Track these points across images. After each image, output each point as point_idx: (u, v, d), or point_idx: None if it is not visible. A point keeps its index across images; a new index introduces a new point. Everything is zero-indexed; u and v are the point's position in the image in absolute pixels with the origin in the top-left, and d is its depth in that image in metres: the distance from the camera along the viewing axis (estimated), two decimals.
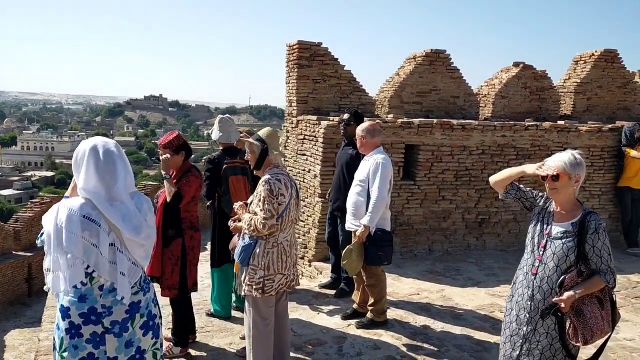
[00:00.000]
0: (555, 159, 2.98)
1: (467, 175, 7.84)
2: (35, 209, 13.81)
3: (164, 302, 4.69)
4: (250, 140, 3.93)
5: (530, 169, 3.10)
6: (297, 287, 6.10)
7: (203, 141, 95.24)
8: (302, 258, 7.57)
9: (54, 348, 2.59)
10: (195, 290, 4.52)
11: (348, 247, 4.86)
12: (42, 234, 2.54)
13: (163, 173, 4.29)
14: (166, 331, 4.64)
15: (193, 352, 4.47)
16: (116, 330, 2.54)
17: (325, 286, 6.23)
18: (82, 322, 2.49)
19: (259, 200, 3.71)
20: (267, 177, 3.77)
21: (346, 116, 5.76)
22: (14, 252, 13.13)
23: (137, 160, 79.91)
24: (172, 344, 4.42)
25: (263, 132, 3.96)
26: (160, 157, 4.27)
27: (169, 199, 4.20)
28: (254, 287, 3.77)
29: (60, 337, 2.53)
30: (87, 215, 2.45)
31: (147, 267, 4.17)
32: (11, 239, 13.04)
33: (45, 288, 2.56)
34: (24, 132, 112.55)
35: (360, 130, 4.96)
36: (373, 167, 4.82)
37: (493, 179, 3.31)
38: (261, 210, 3.67)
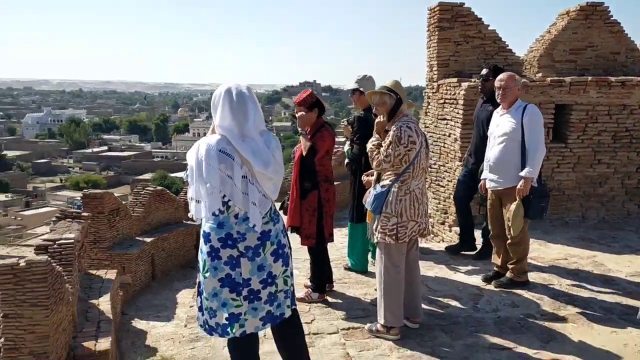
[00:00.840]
0: None
1: (627, 137, 7.18)
2: None
3: (304, 252, 5.00)
4: (383, 91, 4.01)
5: None
6: (435, 249, 6.15)
7: None
8: (443, 223, 7.52)
9: (198, 270, 2.94)
10: (332, 240, 4.74)
11: (516, 203, 4.60)
12: (187, 169, 2.88)
13: (299, 129, 4.55)
14: (305, 279, 4.94)
15: (330, 299, 4.72)
16: (249, 255, 2.81)
17: (452, 249, 6.08)
18: (220, 245, 2.80)
19: (385, 144, 3.84)
20: (398, 123, 3.85)
21: (484, 71, 5.57)
22: (184, 221, 14.49)
23: (293, 144, 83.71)
24: (310, 290, 4.70)
25: (390, 84, 4.02)
26: (296, 114, 4.52)
27: (304, 153, 4.46)
28: (387, 233, 3.88)
29: (203, 259, 2.87)
30: (222, 149, 2.73)
31: (287, 217, 4.52)
32: (182, 209, 14.38)
33: (189, 215, 2.91)
34: (195, 119, 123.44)
35: (499, 80, 4.75)
36: (527, 118, 4.59)
37: None
38: (384, 151, 3.79)
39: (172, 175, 57.05)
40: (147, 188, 13.79)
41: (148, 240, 12.37)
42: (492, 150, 4.86)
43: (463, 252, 6.01)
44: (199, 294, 2.96)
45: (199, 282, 2.94)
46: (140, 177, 57.64)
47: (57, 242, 7.44)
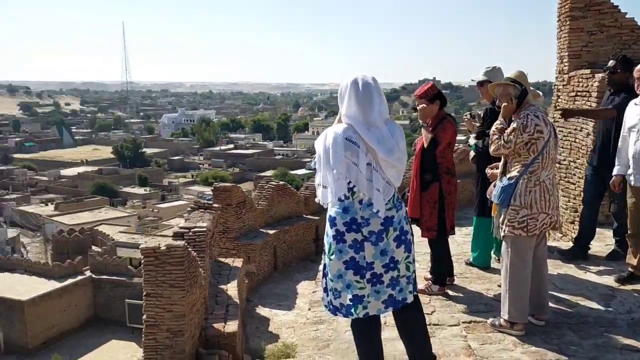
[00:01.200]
0: None
1: None
2: None
3: (424, 245, 5.01)
4: (507, 82, 3.94)
5: None
6: (564, 249, 5.86)
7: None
8: (572, 222, 7.14)
9: (324, 253, 3.09)
10: (453, 233, 4.72)
11: None
12: (315, 156, 3.04)
13: (420, 121, 4.57)
14: (425, 272, 4.95)
15: (450, 292, 4.69)
16: (373, 239, 2.91)
17: (564, 253, 5.70)
18: (345, 229, 2.93)
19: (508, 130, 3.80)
20: (525, 112, 3.78)
21: (611, 63, 5.23)
22: (304, 215, 14.98)
23: (410, 142, 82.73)
24: (430, 282, 4.71)
25: (514, 74, 3.93)
26: (417, 107, 4.54)
27: (425, 145, 4.47)
28: (517, 226, 3.78)
29: (329, 242, 3.01)
30: (348, 138, 2.86)
31: (407, 208, 4.56)
32: (302, 204, 14.89)
33: (316, 200, 3.07)
34: (314, 119, 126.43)
35: (638, 70, 4.48)
36: None
37: None
38: (506, 136, 3.72)
39: (292, 172, 58.82)
40: (271, 182, 14.47)
41: (271, 232, 12.99)
42: (637, 145, 4.54)
43: (594, 253, 5.67)
44: (324, 275, 3.10)
45: (324, 264, 3.09)
46: (263, 174, 60.09)
47: (192, 230, 8.07)
